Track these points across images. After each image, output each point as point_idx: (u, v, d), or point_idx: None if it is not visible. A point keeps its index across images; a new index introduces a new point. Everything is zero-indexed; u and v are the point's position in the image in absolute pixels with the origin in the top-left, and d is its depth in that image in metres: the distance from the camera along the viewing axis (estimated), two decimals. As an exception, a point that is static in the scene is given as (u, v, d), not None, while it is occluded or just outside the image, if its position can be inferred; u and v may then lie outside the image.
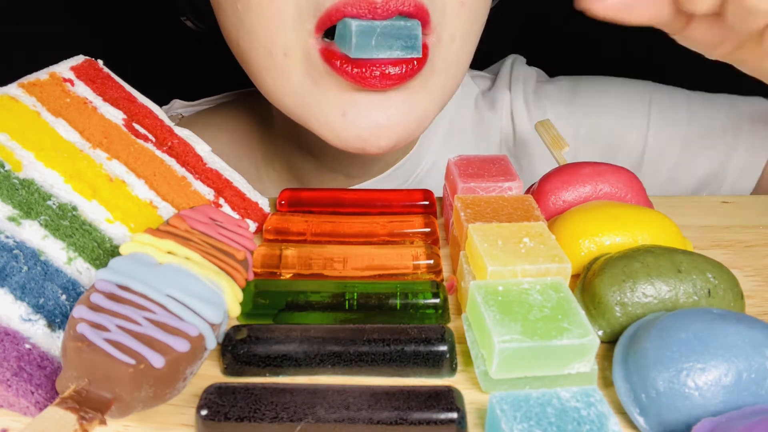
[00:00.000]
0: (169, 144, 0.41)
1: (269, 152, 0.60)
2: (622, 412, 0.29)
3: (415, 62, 0.38)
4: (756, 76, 0.41)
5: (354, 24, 0.36)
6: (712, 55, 0.40)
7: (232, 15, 0.41)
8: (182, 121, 0.64)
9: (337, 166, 0.57)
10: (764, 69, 0.39)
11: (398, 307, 0.34)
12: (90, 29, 0.78)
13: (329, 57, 0.38)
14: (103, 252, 0.34)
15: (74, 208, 0.34)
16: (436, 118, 0.60)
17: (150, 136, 0.40)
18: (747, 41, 0.37)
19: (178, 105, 0.66)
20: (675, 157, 0.59)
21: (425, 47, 0.39)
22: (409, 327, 0.31)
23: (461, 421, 0.27)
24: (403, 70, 0.38)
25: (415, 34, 0.37)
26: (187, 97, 0.68)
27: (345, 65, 0.38)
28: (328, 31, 0.39)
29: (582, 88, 0.61)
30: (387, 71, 0.37)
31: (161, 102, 0.63)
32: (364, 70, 0.37)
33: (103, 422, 0.24)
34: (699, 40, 0.39)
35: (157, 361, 0.25)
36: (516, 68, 0.63)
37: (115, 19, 0.81)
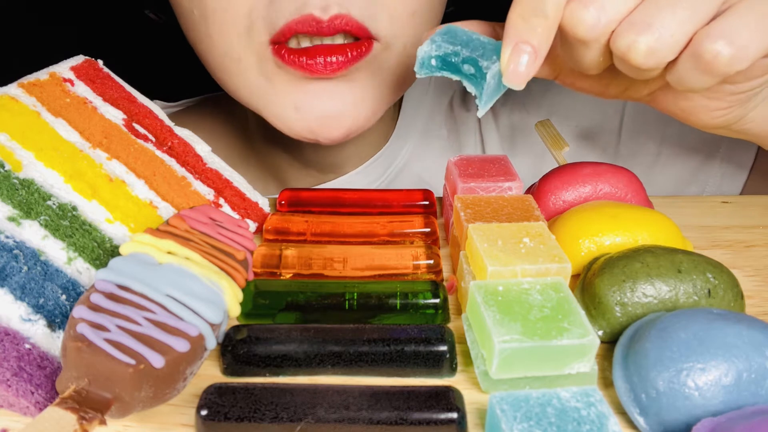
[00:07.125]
0: (169, 144, 0.41)
1: (245, 149, 0.62)
2: (622, 412, 0.29)
3: (355, 51, 0.41)
4: (674, 116, 0.38)
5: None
6: (606, 96, 0.39)
7: (189, 20, 0.44)
8: None
9: (309, 161, 0.58)
10: (678, 108, 0.37)
11: (398, 307, 0.34)
12: (90, 29, 0.78)
13: (278, 51, 0.42)
14: (103, 252, 0.34)
15: (74, 208, 0.34)
16: (411, 115, 0.60)
17: (150, 136, 0.40)
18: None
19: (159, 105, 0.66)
20: (654, 147, 0.58)
21: (369, 44, 0.42)
22: (409, 327, 0.31)
23: (461, 421, 0.27)
24: (347, 56, 0.41)
25: None
26: (189, 94, 0.68)
27: (293, 56, 0.41)
28: None
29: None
30: (330, 59, 0.41)
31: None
32: (309, 59, 0.41)
33: (103, 422, 0.24)
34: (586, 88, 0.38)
35: (157, 361, 0.25)
36: None
37: (115, 19, 0.81)
